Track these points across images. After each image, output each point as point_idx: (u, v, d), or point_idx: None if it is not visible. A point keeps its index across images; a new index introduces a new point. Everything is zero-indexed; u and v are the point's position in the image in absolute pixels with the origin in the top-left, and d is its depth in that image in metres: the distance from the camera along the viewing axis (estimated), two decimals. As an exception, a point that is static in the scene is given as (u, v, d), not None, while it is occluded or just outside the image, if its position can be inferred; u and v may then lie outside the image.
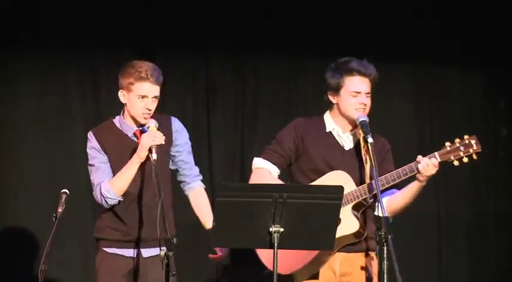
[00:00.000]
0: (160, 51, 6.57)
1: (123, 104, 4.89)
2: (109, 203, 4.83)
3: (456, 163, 4.79)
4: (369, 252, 4.88)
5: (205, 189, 5.11)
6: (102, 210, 4.94)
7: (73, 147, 6.60)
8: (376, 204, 4.79)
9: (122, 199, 4.84)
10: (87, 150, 4.92)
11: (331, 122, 4.96)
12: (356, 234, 4.79)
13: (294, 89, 7.08)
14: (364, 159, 4.86)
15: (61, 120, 6.64)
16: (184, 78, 6.86)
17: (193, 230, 6.57)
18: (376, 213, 4.81)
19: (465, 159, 4.79)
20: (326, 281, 4.85)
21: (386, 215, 4.55)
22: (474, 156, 4.79)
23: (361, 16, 7.01)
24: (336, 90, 4.89)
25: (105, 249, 4.91)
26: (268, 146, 5.00)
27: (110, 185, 4.81)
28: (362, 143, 4.87)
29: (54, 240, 4.54)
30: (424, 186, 4.81)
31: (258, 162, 4.99)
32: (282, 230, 4.23)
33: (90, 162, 4.92)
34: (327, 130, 4.96)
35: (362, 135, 4.83)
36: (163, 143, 4.76)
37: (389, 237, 4.36)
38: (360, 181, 4.84)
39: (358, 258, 4.88)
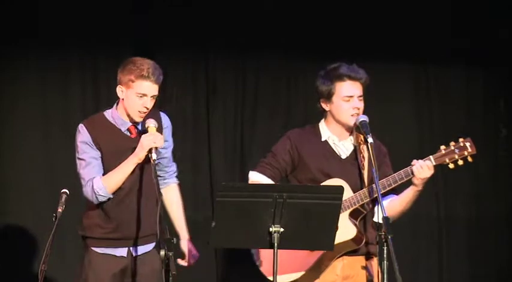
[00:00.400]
0: (160, 51, 6.56)
1: (120, 98, 4.87)
2: (99, 200, 4.81)
3: (451, 166, 4.80)
4: (372, 256, 4.88)
5: (179, 184, 5.12)
6: (90, 207, 4.89)
7: (73, 147, 6.59)
8: (375, 209, 4.80)
9: (112, 196, 4.82)
10: (77, 143, 4.87)
11: (327, 131, 4.95)
12: (355, 240, 4.78)
13: (294, 89, 7.08)
14: (361, 165, 4.86)
15: (61, 120, 6.63)
16: (184, 78, 6.85)
17: (193, 230, 6.59)
18: (374, 219, 4.80)
19: (460, 162, 4.79)
20: (328, 284, 4.86)
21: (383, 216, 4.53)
22: (469, 159, 4.79)
23: (361, 16, 7.01)
24: (328, 97, 4.88)
25: (94, 249, 4.88)
26: (263, 159, 4.99)
27: (103, 182, 4.78)
28: (359, 148, 4.87)
29: (54, 240, 4.54)
30: (424, 188, 4.81)
31: (253, 176, 4.98)
32: (282, 230, 4.23)
33: (80, 156, 4.86)
34: (323, 139, 4.95)
35: (362, 135, 4.83)
36: (162, 146, 4.75)
37: (389, 237, 4.36)
38: (357, 189, 4.84)
39: (361, 262, 4.88)
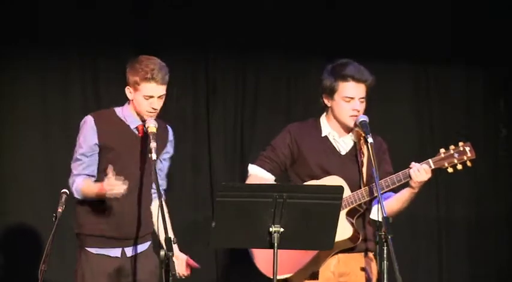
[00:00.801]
0: (160, 51, 6.54)
1: (129, 99, 4.89)
2: (76, 197, 4.85)
3: (450, 170, 4.79)
4: (368, 253, 4.89)
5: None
6: (82, 204, 4.87)
7: (73, 147, 6.59)
8: (372, 206, 4.80)
9: None
10: (79, 134, 4.88)
11: (327, 126, 4.94)
12: (351, 239, 4.78)
13: (294, 89, 7.08)
14: (360, 162, 4.86)
15: (61, 120, 6.63)
16: (184, 78, 6.85)
17: (193, 230, 6.59)
18: (372, 216, 4.81)
19: (459, 167, 4.78)
20: (324, 281, 4.85)
21: (383, 216, 4.53)
22: (468, 164, 4.79)
23: (361, 16, 7.01)
24: (330, 94, 4.87)
25: (88, 249, 4.87)
26: (263, 152, 4.99)
27: (81, 189, 4.80)
28: (359, 146, 4.87)
29: (54, 240, 4.54)
30: (422, 188, 4.81)
31: (252, 169, 4.98)
32: (282, 230, 4.23)
33: (76, 148, 4.89)
34: (323, 134, 4.94)
35: (362, 135, 4.83)
36: (120, 195, 4.66)
37: (389, 237, 4.36)
38: (356, 186, 4.84)
39: (356, 259, 4.88)
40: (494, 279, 7.31)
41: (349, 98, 4.82)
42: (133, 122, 4.89)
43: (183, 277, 4.84)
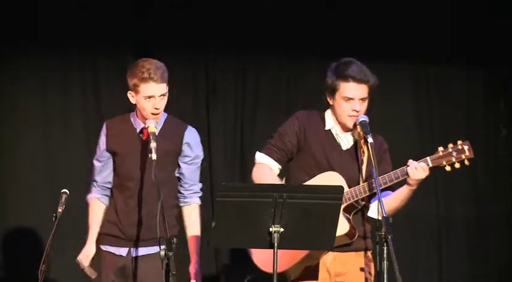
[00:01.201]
0: (160, 51, 6.56)
1: (133, 104, 4.90)
2: None
3: (448, 168, 4.79)
4: (366, 252, 4.89)
5: (202, 199, 5.06)
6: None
7: (73, 147, 6.60)
8: (370, 205, 4.80)
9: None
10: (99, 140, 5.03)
11: (331, 121, 4.94)
12: (348, 235, 4.78)
13: (294, 89, 7.08)
14: (360, 160, 4.86)
15: (61, 120, 6.64)
16: (184, 78, 6.85)
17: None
18: (370, 214, 4.81)
19: (457, 165, 4.78)
20: (320, 281, 4.85)
21: (383, 216, 4.52)
22: (466, 162, 4.78)
23: (361, 16, 7.01)
24: (332, 92, 4.87)
25: (100, 246, 4.96)
26: (270, 140, 4.97)
27: (89, 205, 5.02)
28: (360, 144, 4.87)
29: (54, 240, 4.54)
30: (421, 187, 4.81)
31: (260, 158, 4.96)
32: (282, 230, 4.23)
33: (96, 154, 5.02)
34: (327, 128, 4.94)
35: (362, 135, 4.83)
36: (94, 276, 4.86)
37: (389, 237, 4.36)
38: (354, 182, 4.84)
39: (353, 258, 4.87)
40: (494, 279, 7.31)
41: (349, 98, 4.82)
42: (140, 126, 4.91)
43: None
